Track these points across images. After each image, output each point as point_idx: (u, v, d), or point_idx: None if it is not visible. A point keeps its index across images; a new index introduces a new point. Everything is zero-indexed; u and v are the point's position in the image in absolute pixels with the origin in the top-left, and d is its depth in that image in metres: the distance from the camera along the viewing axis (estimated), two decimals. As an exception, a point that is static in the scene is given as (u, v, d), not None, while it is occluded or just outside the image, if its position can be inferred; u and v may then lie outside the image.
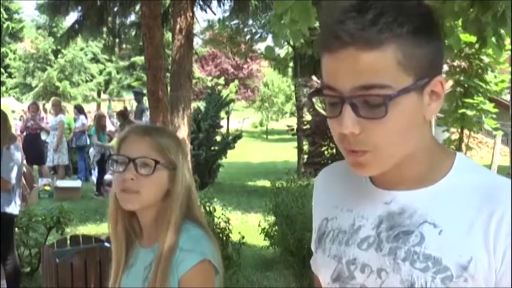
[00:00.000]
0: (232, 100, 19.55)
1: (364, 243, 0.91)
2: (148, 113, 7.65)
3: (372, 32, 0.78)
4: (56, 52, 29.54)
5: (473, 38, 3.93)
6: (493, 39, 3.31)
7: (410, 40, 0.80)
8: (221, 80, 26.43)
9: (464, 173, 0.89)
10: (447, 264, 0.82)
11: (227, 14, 9.84)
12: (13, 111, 15.13)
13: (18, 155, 4.08)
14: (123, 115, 9.43)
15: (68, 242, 3.73)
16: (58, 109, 10.28)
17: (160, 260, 1.34)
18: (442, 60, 0.88)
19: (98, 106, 31.47)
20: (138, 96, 11.56)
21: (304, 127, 12.26)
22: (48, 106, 13.64)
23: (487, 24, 3.23)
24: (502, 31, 3.26)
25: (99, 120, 9.70)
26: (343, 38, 0.79)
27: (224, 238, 4.99)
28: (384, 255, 0.88)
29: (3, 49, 31.21)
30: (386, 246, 0.88)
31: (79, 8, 8.38)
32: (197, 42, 13.94)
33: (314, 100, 0.89)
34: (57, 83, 27.93)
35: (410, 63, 0.80)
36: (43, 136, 10.46)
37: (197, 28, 10.56)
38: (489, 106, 12.54)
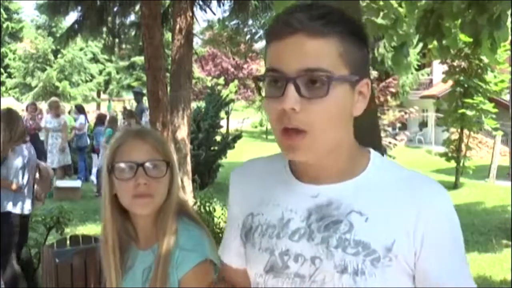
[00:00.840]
0: (232, 100, 19.55)
1: (295, 234, 0.98)
2: (148, 113, 7.65)
3: (319, 23, 0.89)
4: (55, 52, 29.52)
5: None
6: (488, 42, 3.33)
7: (349, 40, 0.92)
8: (221, 80, 26.41)
9: (381, 167, 1.00)
10: (375, 247, 0.92)
11: (227, 14, 9.84)
12: (12, 111, 15.10)
13: (22, 157, 4.09)
14: (131, 115, 9.40)
15: (68, 242, 3.73)
16: (57, 110, 10.23)
17: (160, 260, 1.33)
18: (369, 65, 1.02)
19: (98, 106, 31.48)
20: (138, 96, 11.56)
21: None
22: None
23: (483, 27, 3.25)
24: (495, 35, 3.28)
25: (114, 123, 9.61)
26: (294, 25, 0.89)
27: (224, 238, 4.98)
28: (316, 244, 0.95)
29: (3, 49, 31.20)
30: (318, 236, 0.96)
31: (79, 8, 8.38)
32: (197, 42, 13.95)
33: (260, 84, 0.96)
34: (57, 83, 27.91)
35: (349, 57, 0.91)
36: (42, 136, 10.45)
37: (197, 28, 10.56)
38: (489, 106, 12.55)
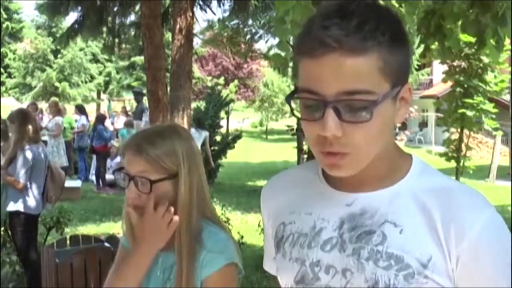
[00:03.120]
0: (232, 100, 19.56)
1: (327, 244, 0.93)
2: (148, 113, 7.65)
3: (357, 38, 0.80)
4: (55, 52, 29.50)
5: (473, 38, 3.92)
6: (492, 40, 3.31)
7: (389, 48, 0.83)
8: (221, 80, 26.41)
9: (421, 175, 0.93)
10: (408, 262, 0.86)
11: (227, 14, 9.83)
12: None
13: (28, 156, 4.16)
14: (129, 124, 9.46)
15: (68, 242, 3.73)
16: (55, 111, 10.21)
17: (181, 262, 1.35)
18: (410, 66, 0.92)
19: (98, 106, 31.45)
20: (138, 96, 11.55)
21: (304, 127, 12.22)
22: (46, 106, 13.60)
23: (487, 25, 3.24)
24: (501, 33, 3.27)
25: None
26: (329, 43, 0.80)
27: (224, 238, 4.99)
28: (348, 255, 0.90)
29: (3, 49, 31.19)
30: (350, 247, 0.90)
31: (79, 8, 8.38)
32: (197, 42, 13.94)
33: (292, 103, 0.89)
34: (57, 84, 27.89)
35: (389, 70, 0.83)
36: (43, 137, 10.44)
37: (197, 28, 10.56)
38: (489, 106, 12.53)
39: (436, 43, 3.66)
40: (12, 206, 4.13)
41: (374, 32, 0.81)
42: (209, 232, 1.40)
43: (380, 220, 0.90)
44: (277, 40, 3.08)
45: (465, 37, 5.18)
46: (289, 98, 0.89)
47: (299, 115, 0.88)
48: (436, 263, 0.85)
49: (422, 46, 3.84)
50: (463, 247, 0.84)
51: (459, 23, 3.40)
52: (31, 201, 4.18)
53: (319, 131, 0.83)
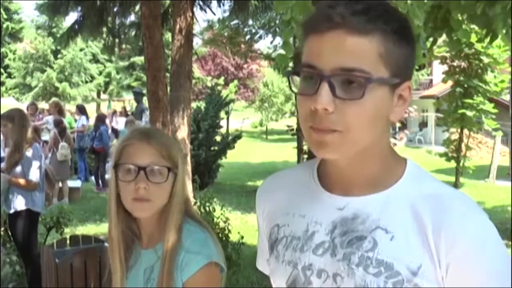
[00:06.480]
0: (232, 100, 19.56)
1: (319, 248, 0.93)
2: (148, 113, 7.65)
3: (361, 19, 0.83)
4: (55, 53, 29.50)
5: (474, 38, 3.91)
6: (503, 30, 3.30)
7: (392, 38, 0.85)
8: (221, 80, 26.42)
9: (415, 180, 0.92)
10: (398, 269, 0.85)
11: (227, 14, 9.84)
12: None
13: (39, 156, 4.21)
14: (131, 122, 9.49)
15: (68, 242, 3.73)
16: (56, 111, 10.20)
17: (165, 261, 1.34)
18: (414, 65, 0.93)
19: (98, 106, 31.46)
20: (138, 96, 11.56)
21: (304, 127, 12.21)
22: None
23: (495, 17, 3.22)
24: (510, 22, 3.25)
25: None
26: (334, 19, 0.83)
27: (224, 238, 4.99)
28: (338, 260, 0.90)
29: (3, 49, 31.18)
30: (341, 252, 0.90)
31: (79, 8, 8.38)
32: (197, 42, 13.94)
33: (290, 80, 0.91)
34: (57, 84, 27.90)
35: (390, 58, 0.85)
36: (44, 137, 10.44)
37: (197, 28, 10.56)
38: (489, 106, 12.54)
39: (444, 35, 3.64)
40: (19, 206, 4.12)
41: (378, 19, 0.83)
42: (188, 231, 1.39)
43: (371, 226, 0.89)
44: (279, 40, 3.08)
45: (466, 36, 5.17)
46: (289, 72, 0.91)
47: (294, 89, 0.90)
48: (425, 271, 0.84)
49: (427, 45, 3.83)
50: (454, 255, 0.83)
51: (466, 15, 3.38)
52: (37, 199, 4.21)
53: (311, 104, 0.84)
